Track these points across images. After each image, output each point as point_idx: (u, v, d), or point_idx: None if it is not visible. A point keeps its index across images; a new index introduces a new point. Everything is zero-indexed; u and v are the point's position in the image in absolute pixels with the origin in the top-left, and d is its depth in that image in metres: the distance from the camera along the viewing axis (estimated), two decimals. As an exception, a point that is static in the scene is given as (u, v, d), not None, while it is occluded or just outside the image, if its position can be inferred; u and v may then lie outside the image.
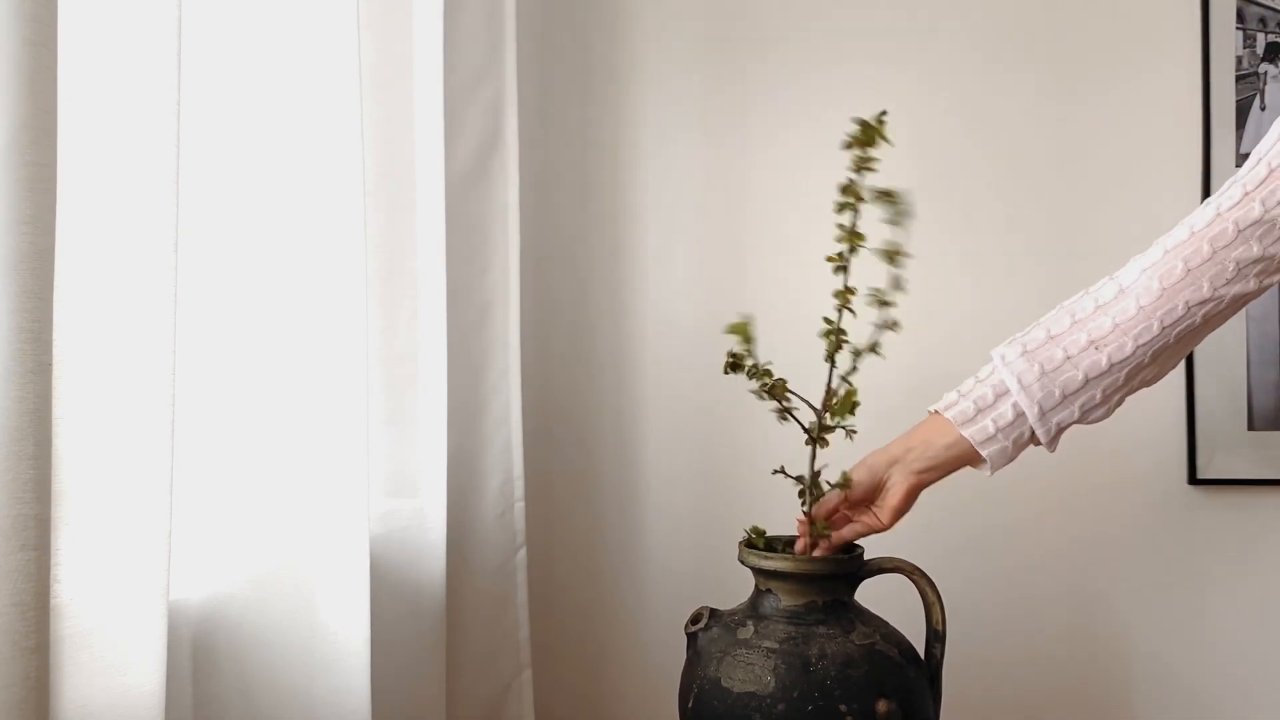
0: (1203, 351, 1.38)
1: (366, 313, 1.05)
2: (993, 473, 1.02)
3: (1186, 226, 0.97)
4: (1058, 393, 0.98)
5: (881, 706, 1.00)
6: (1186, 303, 0.95)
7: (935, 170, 1.46)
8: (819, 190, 1.52)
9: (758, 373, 1.08)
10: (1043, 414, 0.99)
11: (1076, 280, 1.42)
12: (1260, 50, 1.37)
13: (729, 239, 1.55)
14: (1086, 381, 0.98)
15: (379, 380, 1.18)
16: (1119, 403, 1.00)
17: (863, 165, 1.06)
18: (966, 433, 1.00)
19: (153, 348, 0.79)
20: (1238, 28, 1.37)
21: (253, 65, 0.97)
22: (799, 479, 1.09)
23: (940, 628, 1.08)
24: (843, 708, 0.99)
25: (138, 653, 0.77)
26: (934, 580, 1.09)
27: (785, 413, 1.09)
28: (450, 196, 1.25)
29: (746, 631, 1.05)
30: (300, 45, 1.01)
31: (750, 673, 1.02)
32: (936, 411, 1.04)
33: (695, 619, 1.11)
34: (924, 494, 1.45)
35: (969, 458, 1.03)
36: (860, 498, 1.08)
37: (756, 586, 1.10)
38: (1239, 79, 1.38)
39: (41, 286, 0.67)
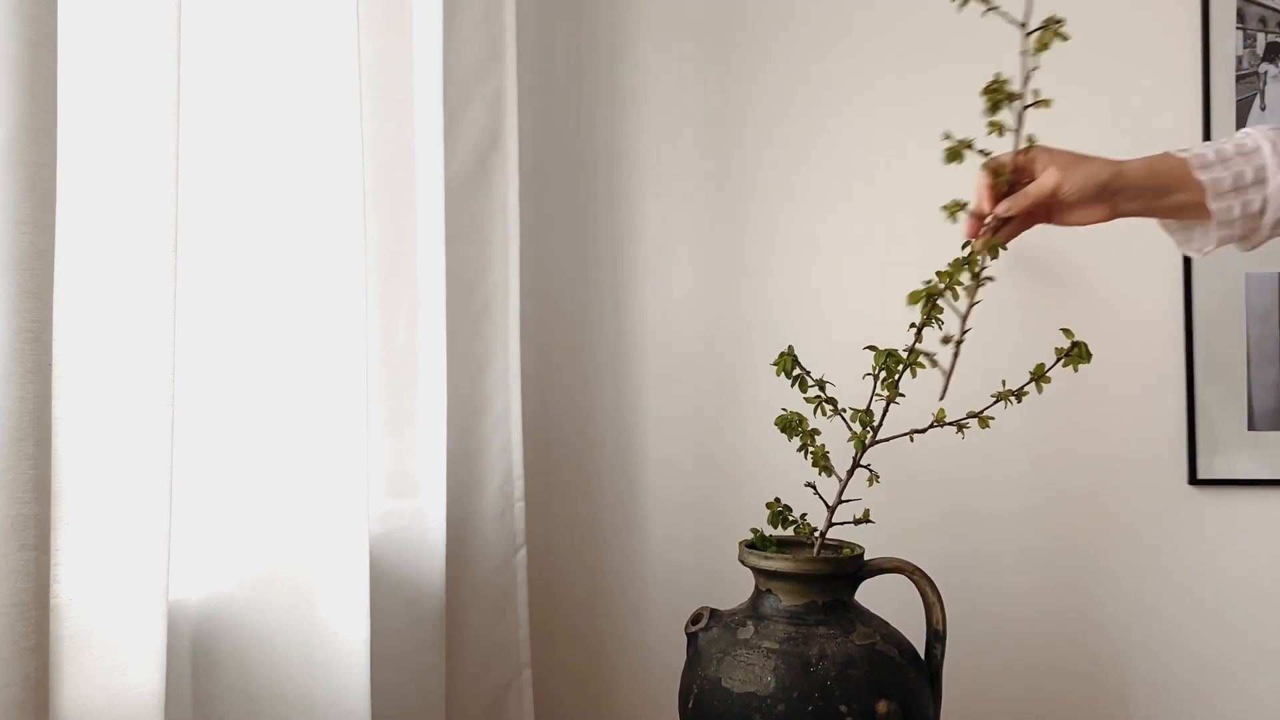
0: (1202, 351, 1.38)
1: (366, 313, 1.05)
2: (1217, 246, 0.97)
3: None
4: None
5: (881, 707, 1.00)
6: None
7: (933, 170, 1.45)
8: (820, 183, 1.53)
9: (805, 385, 1.14)
10: (1276, 225, 0.95)
11: (1076, 281, 1.43)
12: (1260, 50, 1.37)
13: (729, 237, 1.55)
14: None
15: (379, 380, 1.18)
16: None
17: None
18: (1214, 206, 0.94)
19: (152, 348, 0.79)
20: (1238, 28, 1.37)
21: (252, 65, 0.97)
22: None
23: (940, 628, 1.08)
24: (843, 708, 0.99)
25: (138, 653, 0.77)
26: (934, 580, 1.09)
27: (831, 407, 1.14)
28: (450, 196, 1.25)
29: (746, 631, 1.05)
30: (300, 45, 1.00)
31: (750, 673, 1.02)
32: (1185, 160, 0.96)
33: (695, 619, 1.11)
34: (922, 493, 1.46)
35: (1182, 189, 0.95)
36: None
37: (756, 586, 1.10)
38: (1239, 79, 1.37)
39: (41, 286, 0.67)
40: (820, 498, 1.12)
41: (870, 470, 1.11)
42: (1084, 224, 1.02)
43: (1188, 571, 1.41)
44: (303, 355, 1.00)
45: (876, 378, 1.13)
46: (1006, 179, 1.01)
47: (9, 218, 0.64)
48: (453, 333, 1.25)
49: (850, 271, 1.50)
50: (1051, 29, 1.01)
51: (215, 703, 0.93)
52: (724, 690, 1.02)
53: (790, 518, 1.14)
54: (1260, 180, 0.93)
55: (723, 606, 1.14)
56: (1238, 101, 1.37)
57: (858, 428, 1.11)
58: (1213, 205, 0.94)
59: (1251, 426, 1.38)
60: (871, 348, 1.14)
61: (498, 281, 1.41)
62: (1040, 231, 1.45)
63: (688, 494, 1.55)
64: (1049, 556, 1.44)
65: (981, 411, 1.11)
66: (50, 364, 0.68)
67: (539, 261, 1.59)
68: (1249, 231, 0.96)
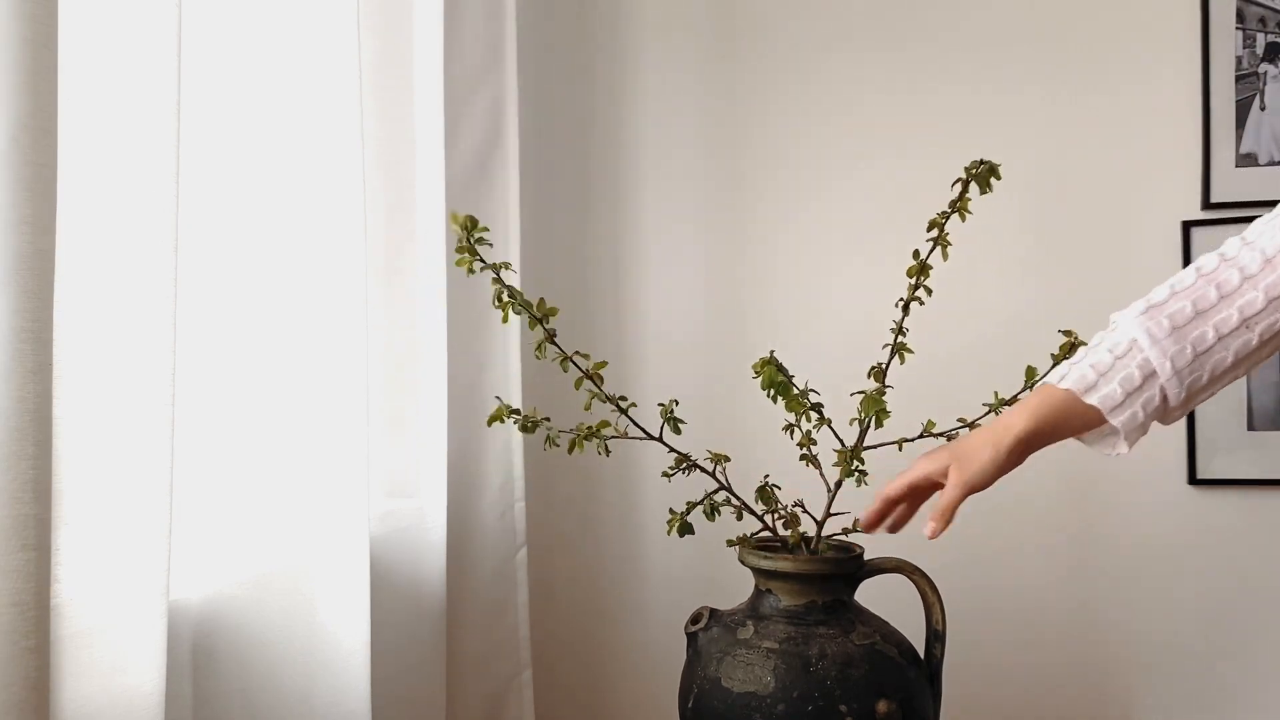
0: (1203, 351, 1.38)
1: (366, 313, 1.05)
2: (1131, 446, 0.93)
3: None
4: (1205, 377, 0.91)
5: (881, 706, 0.99)
6: None
7: (936, 169, 1.45)
8: (819, 184, 1.53)
9: (799, 407, 1.11)
10: (1187, 400, 0.91)
11: (1078, 279, 1.43)
12: (1260, 50, 1.37)
13: (729, 236, 1.55)
14: (1235, 363, 0.90)
15: (379, 381, 1.18)
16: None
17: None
18: (1117, 421, 0.90)
19: (152, 348, 0.79)
20: (1238, 28, 1.37)
21: (253, 66, 0.97)
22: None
23: (940, 628, 1.08)
24: (843, 708, 0.99)
25: (138, 653, 0.77)
26: (934, 580, 1.09)
27: (808, 456, 1.11)
28: (450, 196, 1.25)
29: (746, 631, 1.05)
30: (300, 46, 1.00)
31: (750, 673, 1.02)
32: (1068, 390, 0.92)
33: (695, 619, 1.11)
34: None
35: (1071, 416, 0.93)
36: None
37: (756, 586, 1.10)
38: (1239, 79, 1.37)
39: (41, 286, 0.67)
40: (810, 515, 1.12)
41: (859, 473, 1.10)
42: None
43: (1188, 571, 1.41)
44: (303, 356, 1.00)
45: (863, 421, 1.11)
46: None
47: (9, 218, 0.64)
48: (453, 333, 1.25)
49: (850, 267, 1.50)
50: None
51: (215, 703, 0.93)
52: (724, 690, 1.02)
53: (779, 503, 1.13)
54: (1149, 374, 0.91)
55: (723, 606, 1.14)
56: (1237, 101, 1.37)
57: (850, 436, 1.10)
58: (1115, 421, 0.91)
59: (1251, 426, 1.38)
60: (860, 391, 1.12)
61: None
62: (1037, 231, 1.45)
63: (689, 490, 1.55)
64: (1049, 556, 1.44)
65: (974, 421, 1.10)
66: (50, 364, 0.68)
67: (539, 261, 1.59)
68: (1162, 417, 0.94)
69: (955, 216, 1.11)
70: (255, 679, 0.96)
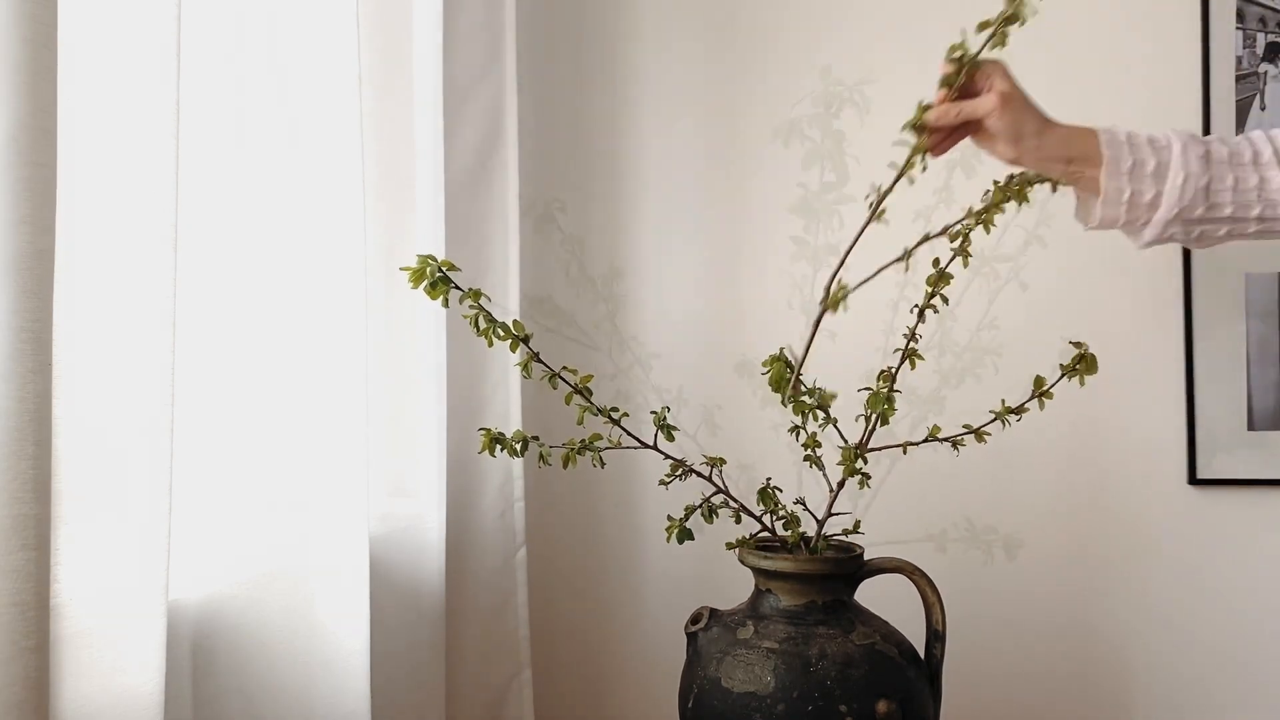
0: (1203, 351, 1.38)
1: (366, 313, 1.05)
2: (1098, 224, 0.98)
3: None
4: (1200, 211, 0.95)
5: (881, 707, 0.99)
6: None
7: (934, 171, 1.45)
8: (818, 188, 1.53)
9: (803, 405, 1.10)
10: (1170, 221, 0.95)
11: (1078, 282, 1.43)
12: (1260, 50, 1.37)
13: (728, 238, 1.55)
14: (1230, 221, 0.95)
15: (379, 380, 1.18)
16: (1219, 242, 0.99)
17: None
18: (1106, 184, 0.95)
19: (152, 348, 0.79)
20: (1238, 28, 1.37)
21: (252, 65, 0.97)
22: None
23: (940, 628, 1.08)
24: (843, 708, 0.99)
25: (137, 653, 0.77)
26: (934, 580, 1.09)
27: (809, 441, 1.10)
28: (450, 196, 1.25)
29: (746, 631, 1.05)
30: (299, 45, 1.01)
31: (750, 673, 1.02)
32: (1098, 131, 0.98)
33: (695, 619, 1.11)
34: (923, 492, 1.46)
35: (1087, 161, 0.97)
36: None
37: (756, 586, 1.10)
38: (1239, 79, 1.38)
39: (41, 286, 0.67)
40: (810, 514, 1.12)
41: (862, 474, 1.11)
42: (992, 155, 1.03)
43: (1187, 571, 1.41)
44: (303, 355, 1.00)
45: (868, 418, 1.10)
46: (958, 80, 1.01)
47: (9, 218, 0.64)
48: (453, 333, 1.25)
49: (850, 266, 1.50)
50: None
51: (215, 703, 0.93)
52: (724, 690, 1.02)
53: (780, 505, 1.13)
54: (1159, 175, 0.95)
55: (723, 606, 1.14)
56: (1237, 101, 1.37)
57: (853, 434, 1.09)
58: (1104, 182, 0.95)
59: (1251, 426, 1.38)
60: (867, 388, 1.11)
61: (498, 281, 1.41)
62: (1038, 234, 1.45)
63: (687, 493, 1.55)
64: (1049, 556, 1.44)
65: (980, 428, 1.10)
66: (50, 364, 0.68)
67: (539, 262, 1.58)
68: (1135, 221, 0.97)
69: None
70: (255, 679, 0.96)
